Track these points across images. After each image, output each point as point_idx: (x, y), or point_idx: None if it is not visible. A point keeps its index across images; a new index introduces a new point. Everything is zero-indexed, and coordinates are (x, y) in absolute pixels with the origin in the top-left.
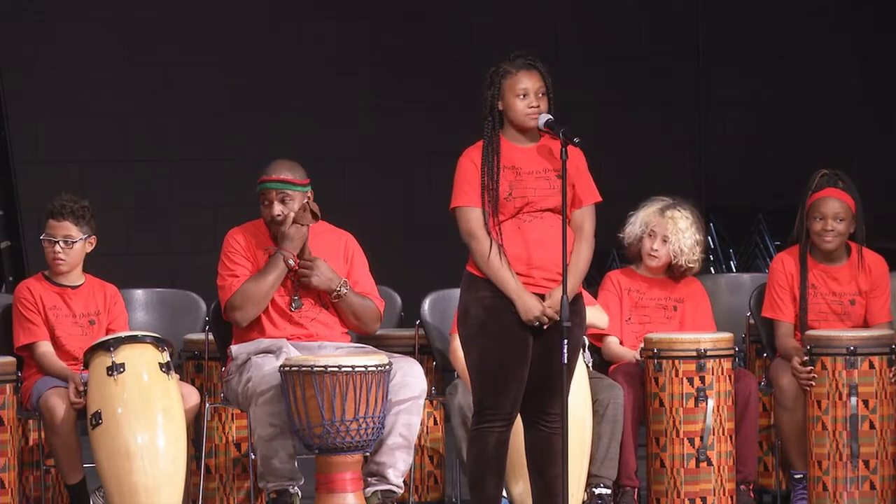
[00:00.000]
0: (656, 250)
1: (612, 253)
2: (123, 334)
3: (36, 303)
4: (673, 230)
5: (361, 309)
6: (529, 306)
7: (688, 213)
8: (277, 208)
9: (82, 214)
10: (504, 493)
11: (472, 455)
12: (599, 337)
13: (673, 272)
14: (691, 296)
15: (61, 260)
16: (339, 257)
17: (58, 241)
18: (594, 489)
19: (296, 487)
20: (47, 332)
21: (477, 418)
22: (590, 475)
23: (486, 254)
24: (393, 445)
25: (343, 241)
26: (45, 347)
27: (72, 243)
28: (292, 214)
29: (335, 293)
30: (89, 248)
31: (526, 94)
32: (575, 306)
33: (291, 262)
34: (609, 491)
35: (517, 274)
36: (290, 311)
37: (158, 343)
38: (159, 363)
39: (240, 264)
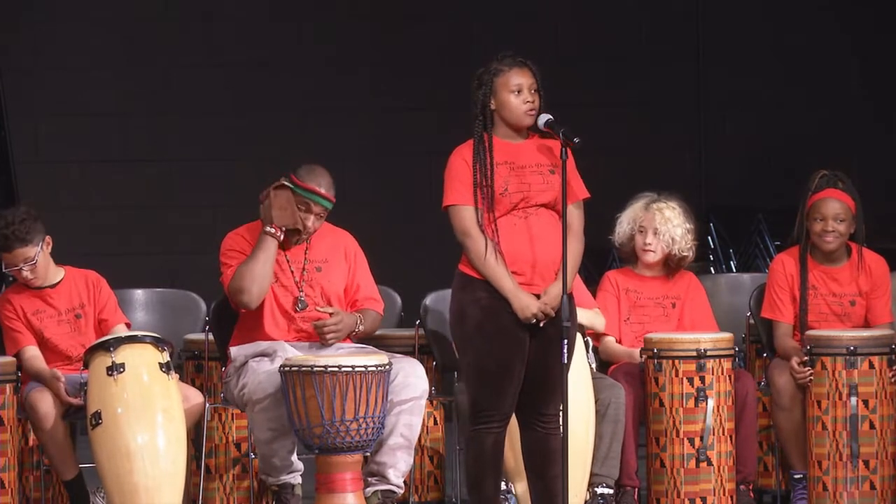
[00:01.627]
0: (649, 244)
1: (613, 253)
2: (123, 334)
3: (16, 311)
4: (661, 221)
5: (371, 327)
6: (526, 304)
7: (674, 203)
8: (312, 223)
9: (26, 231)
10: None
11: (471, 455)
12: (597, 336)
13: (669, 265)
14: (688, 292)
15: (33, 278)
16: (340, 258)
17: (21, 268)
18: (596, 488)
19: (297, 477)
20: (32, 337)
21: (474, 419)
22: (591, 474)
23: (482, 253)
24: (394, 445)
25: (343, 242)
26: (31, 352)
27: (33, 263)
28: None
29: (354, 333)
30: (49, 249)
31: (520, 90)
32: (569, 305)
33: (273, 230)
34: (611, 491)
35: (515, 272)
36: (296, 311)
37: (158, 343)
38: (159, 363)
39: (234, 258)
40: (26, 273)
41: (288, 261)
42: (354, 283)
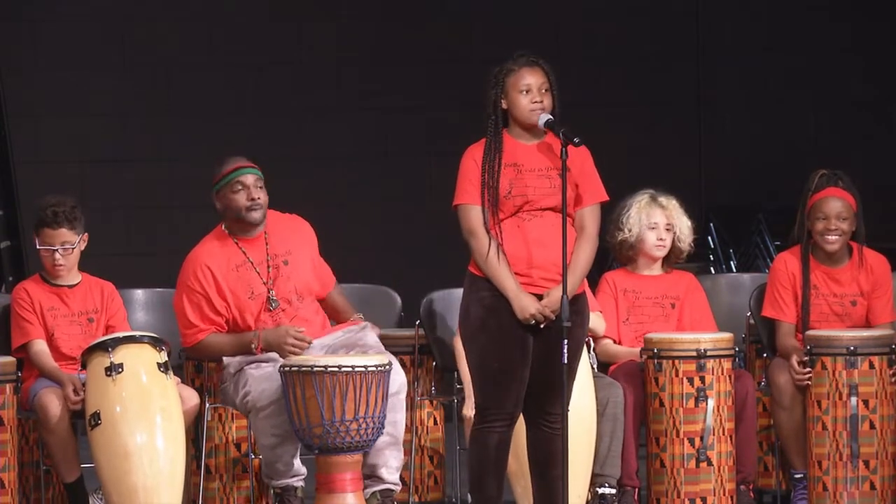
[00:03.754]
0: (663, 240)
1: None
2: (121, 334)
3: (33, 304)
4: (676, 216)
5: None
6: (524, 305)
7: (673, 198)
8: (257, 193)
9: (75, 217)
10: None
11: (474, 455)
12: (596, 339)
13: (669, 261)
14: (688, 292)
15: (61, 266)
16: (302, 246)
17: (56, 250)
18: (598, 489)
19: (300, 480)
20: (42, 331)
21: (479, 418)
22: (593, 475)
23: (484, 252)
24: (381, 445)
25: (299, 227)
26: (40, 346)
27: (71, 248)
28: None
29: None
30: (83, 246)
31: (529, 90)
32: (576, 306)
33: (256, 350)
34: (613, 490)
35: (517, 273)
36: (269, 310)
37: (156, 343)
38: (157, 363)
39: (200, 306)
40: (59, 256)
41: (251, 262)
42: (316, 267)
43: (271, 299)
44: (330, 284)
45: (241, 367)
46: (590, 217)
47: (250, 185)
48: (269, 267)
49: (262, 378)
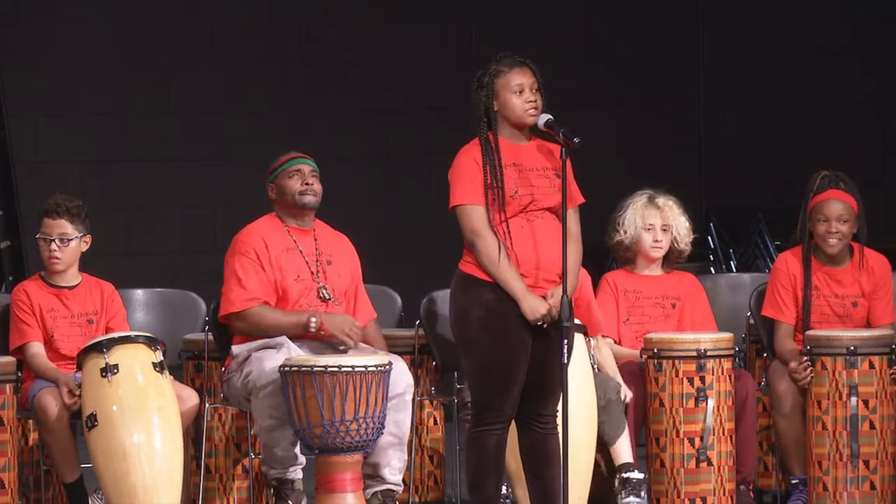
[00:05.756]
0: (659, 241)
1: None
2: (116, 335)
3: (32, 305)
4: (673, 217)
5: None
6: (535, 307)
7: (672, 199)
8: (311, 179)
9: (77, 213)
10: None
11: (473, 457)
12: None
13: (669, 262)
14: (689, 293)
15: (57, 258)
16: (345, 261)
17: (53, 240)
18: (623, 475)
19: (298, 472)
20: (41, 333)
21: (477, 420)
22: (616, 468)
23: (494, 253)
24: (385, 444)
25: (347, 248)
26: (37, 349)
27: (67, 241)
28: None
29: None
30: (84, 248)
31: (522, 90)
32: (568, 306)
33: (316, 325)
34: (641, 476)
35: (522, 275)
36: (325, 300)
37: (151, 342)
38: (153, 363)
39: (254, 275)
40: (55, 248)
41: (301, 252)
42: (354, 288)
43: (323, 288)
44: (366, 319)
45: (248, 355)
46: (574, 219)
47: (306, 173)
48: (317, 261)
49: (266, 361)
